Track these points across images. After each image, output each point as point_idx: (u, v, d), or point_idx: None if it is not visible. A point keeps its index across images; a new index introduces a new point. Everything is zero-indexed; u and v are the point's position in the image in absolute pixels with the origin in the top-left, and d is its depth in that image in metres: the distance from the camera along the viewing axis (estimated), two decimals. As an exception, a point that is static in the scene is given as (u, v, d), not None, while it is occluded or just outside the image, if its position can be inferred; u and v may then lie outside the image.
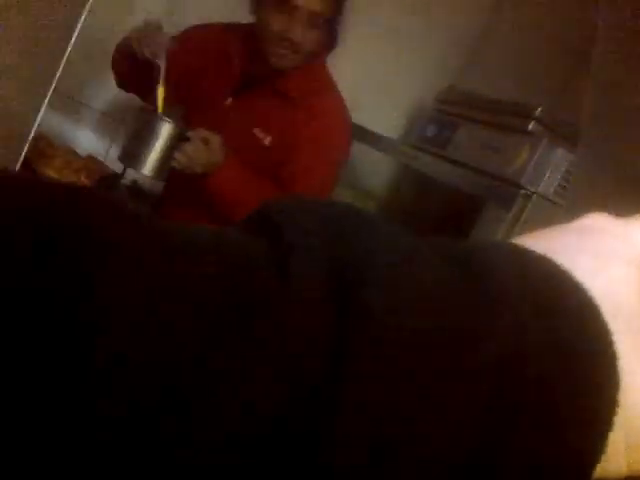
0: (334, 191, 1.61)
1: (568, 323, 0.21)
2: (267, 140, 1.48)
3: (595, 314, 0.21)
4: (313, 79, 1.53)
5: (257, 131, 1.49)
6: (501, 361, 0.19)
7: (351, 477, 0.18)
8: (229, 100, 1.52)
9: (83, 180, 1.61)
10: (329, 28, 1.46)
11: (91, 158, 1.72)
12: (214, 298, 0.18)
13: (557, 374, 0.20)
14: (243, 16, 1.56)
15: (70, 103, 1.86)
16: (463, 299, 0.20)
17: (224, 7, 1.71)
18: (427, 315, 0.19)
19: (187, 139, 1.38)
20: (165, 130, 1.38)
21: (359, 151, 1.86)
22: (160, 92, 1.39)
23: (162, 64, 1.38)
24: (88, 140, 1.95)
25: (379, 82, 2.04)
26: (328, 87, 1.55)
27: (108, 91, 1.86)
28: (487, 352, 0.19)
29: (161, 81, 1.39)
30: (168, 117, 1.40)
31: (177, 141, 1.39)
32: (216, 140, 1.38)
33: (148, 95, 1.44)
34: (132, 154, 1.43)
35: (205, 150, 1.38)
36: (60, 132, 1.86)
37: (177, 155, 1.38)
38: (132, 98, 1.63)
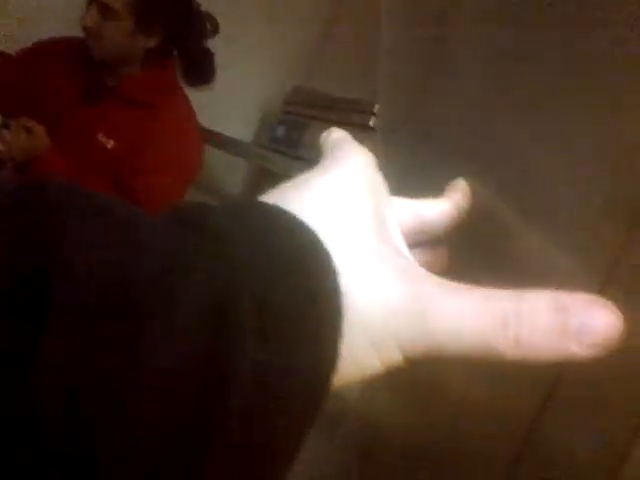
0: (189, 195, 1.62)
1: (281, 249, 0.23)
2: (110, 144, 1.50)
3: (312, 244, 0.24)
4: (158, 83, 1.57)
5: (100, 135, 1.52)
6: (214, 294, 0.20)
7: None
8: (75, 108, 1.52)
9: None
10: (141, 28, 1.49)
11: None
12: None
13: (274, 292, 0.22)
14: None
15: None
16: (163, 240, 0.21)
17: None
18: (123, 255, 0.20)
19: (8, 127, 1.40)
20: None
21: (212, 155, 1.88)
22: None
23: None
24: None
25: (227, 87, 2.07)
26: (174, 92, 1.59)
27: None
28: (196, 286, 0.20)
29: None
30: None
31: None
32: (38, 129, 1.41)
33: None
34: None
35: (26, 138, 1.40)
36: None
37: None
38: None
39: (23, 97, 1.51)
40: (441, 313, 0.24)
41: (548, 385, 0.32)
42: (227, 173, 2.18)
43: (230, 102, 2.15)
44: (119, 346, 0.19)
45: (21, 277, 0.19)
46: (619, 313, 0.23)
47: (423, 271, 0.26)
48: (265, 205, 0.25)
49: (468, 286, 0.25)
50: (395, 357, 0.24)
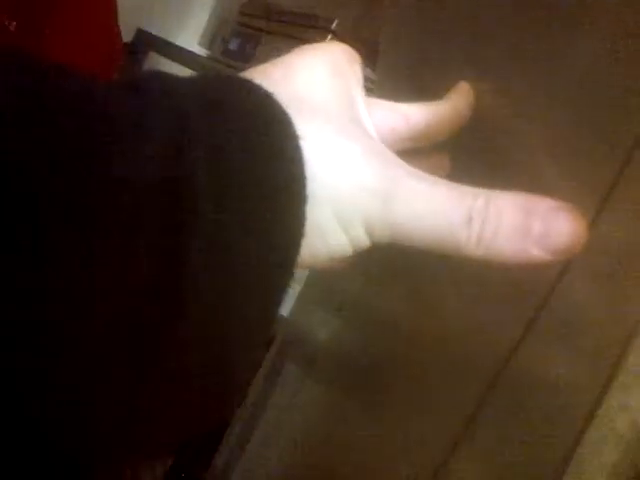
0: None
1: (241, 115, 0.22)
2: (12, 26, 1.38)
3: (272, 108, 0.23)
4: None
5: (5, 18, 1.37)
6: (167, 147, 0.19)
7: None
8: None
9: None
10: None
11: None
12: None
13: (230, 151, 0.20)
14: None
15: None
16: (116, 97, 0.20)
17: None
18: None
19: None
20: None
21: (161, 64, 1.81)
22: None
23: None
24: None
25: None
26: None
27: None
28: (147, 140, 0.19)
29: None
30: None
31: None
32: None
33: None
34: None
35: None
36: None
37: None
38: None
39: None
40: (409, 198, 0.23)
41: (532, 309, 0.32)
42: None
43: (182, 10, 2.05)
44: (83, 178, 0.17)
45: None
46: (584, 221, 0.23)
47: (393, 154, 0.25)
48: (223, 73, 0.24)
49: (439, 178, 0.24)
50: (362, 238, 0.24)
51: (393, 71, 0.47)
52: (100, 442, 0.18)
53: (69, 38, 1.38)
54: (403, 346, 0.39)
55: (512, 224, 0.23)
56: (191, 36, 2.12)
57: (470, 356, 0.34)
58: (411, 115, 0.31)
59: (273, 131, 0.22)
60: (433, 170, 0.32)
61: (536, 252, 0.23)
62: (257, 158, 0.21)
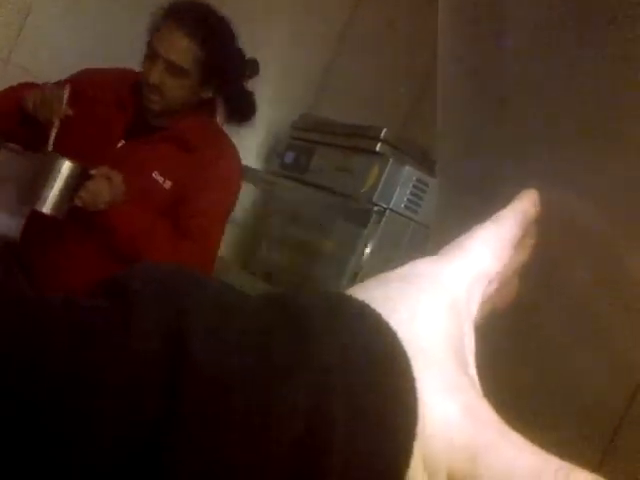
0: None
1: (374, 365, 0.25)
2: (167, 184, 1.56)
3: (401, 358, 0.26)
4: (207, 129, 1.65)
5: (156, 174, 1.56)
6: (309, 396, 0.23)
7: None
8: (121, 143, 1.56)
9: None
10: (203, 82, 1.57)
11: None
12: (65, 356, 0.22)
13: (364, 405, 0.24)
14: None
15: None
16: (277, 344, 0.24)
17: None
18: (243, 357, 0.23)
19: (89, 177, 1.41)
20: (66, 168, 1.41)
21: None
22: (53, 134, 1.46)
23: (57, 120, 1.47)
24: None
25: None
26: (223, 137, 1.68)
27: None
28: (295, 392, 0.23)
29: (53, 135, 1.46)
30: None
31: (79, 179, 1.41)
32: (118, 178, 1.43)
33: (30, 142, 1.52)
34: (31, 193, 1.46)
35: (108, 187, 1.42)
36: None
37: (82, 192, 1.41)
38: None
39: (72, 124, 1.51)
40: (494, 460, 0.25)
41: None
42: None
43: (239, 130, 2.19)
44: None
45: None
46: None
47: (488, 410, 0.27)
48: (357, 304, 0.27)
49: (525, 442, 0.26)
50: None
51: (455, 183, 0.47)
52: None
53: (215, 200, 1.58)
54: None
55: None
56: (249, 155, 2.25)
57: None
58: (492, 274, 0.33)
59: (398, 379, 0.25)
60: (505, 294, 0.34)
61: None
62: (383, 404, 0.24)
